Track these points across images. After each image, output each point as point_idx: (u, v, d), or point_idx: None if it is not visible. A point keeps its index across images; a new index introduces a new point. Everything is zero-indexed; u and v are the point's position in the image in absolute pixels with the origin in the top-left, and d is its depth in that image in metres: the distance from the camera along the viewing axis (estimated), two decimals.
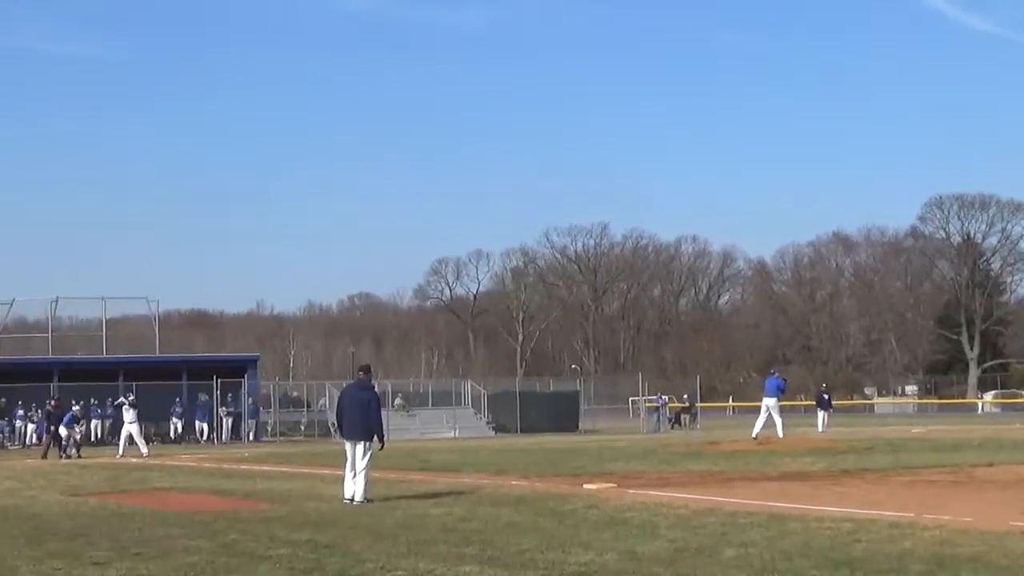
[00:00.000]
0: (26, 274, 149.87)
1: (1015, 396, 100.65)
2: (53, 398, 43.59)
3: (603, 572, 11.26)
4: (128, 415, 40.27)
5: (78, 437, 41.00)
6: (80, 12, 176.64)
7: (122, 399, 42.28)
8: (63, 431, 40.12)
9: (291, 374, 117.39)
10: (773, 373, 42.73)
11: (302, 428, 57.41)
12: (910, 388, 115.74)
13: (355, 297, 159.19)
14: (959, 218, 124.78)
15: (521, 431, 57.92)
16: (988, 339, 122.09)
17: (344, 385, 24.72)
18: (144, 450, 39.17)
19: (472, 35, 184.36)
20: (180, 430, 52.94)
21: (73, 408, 42.14)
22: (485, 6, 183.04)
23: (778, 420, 39.78)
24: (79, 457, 38.91)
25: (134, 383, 49.22)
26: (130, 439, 40.05)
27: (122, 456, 38.68)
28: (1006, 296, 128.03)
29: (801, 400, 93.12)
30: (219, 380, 52.27)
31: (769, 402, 40.10)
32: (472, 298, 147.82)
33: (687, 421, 68.38)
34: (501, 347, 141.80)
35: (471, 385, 65.74)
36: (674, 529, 14.04)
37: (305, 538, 13.85)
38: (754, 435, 38.49)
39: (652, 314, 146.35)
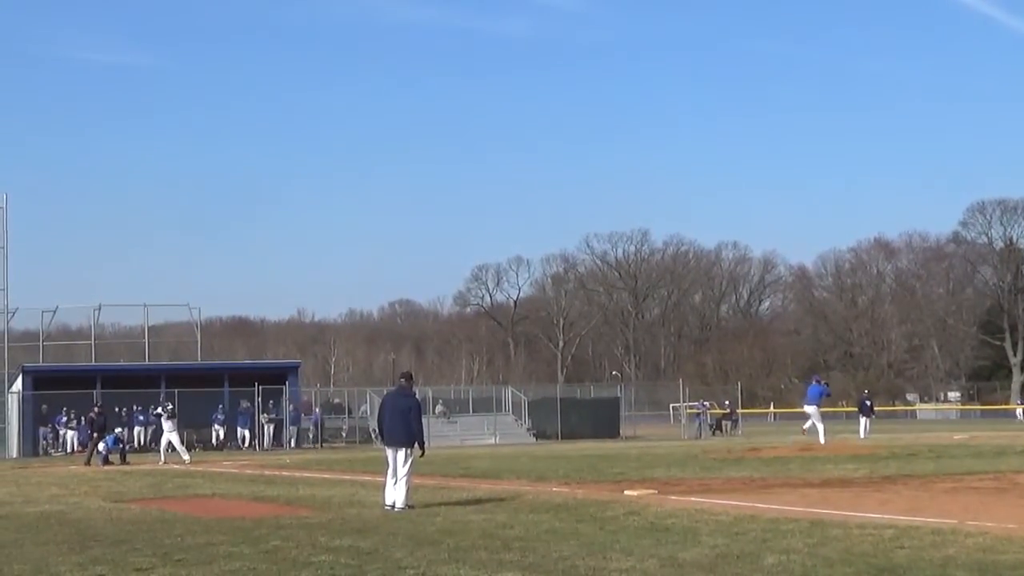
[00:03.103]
0: (69, 281, 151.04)
1: None
2: (96, 405, 43.80)
3: None
4: (167, 424, 40.55)
5: (122, 453, 41.03)
6: (111, 22, 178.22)
7: (159, 410, 42.49)
8: (102, 447, 40.25)
9: (332, 381, 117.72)
10: (816, 380, 42.52)
11: (343, 435, 57.51)
12: (952, 394, 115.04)
13: (396, 304, 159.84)
14: (1001, 223, 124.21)
15: (562, 437, 57.89)
16: None
17: (385, 392, 24.76)
18: (185, 457, 39.37)
19: (513, 43, 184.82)
20: (222, 437, 53.11)
21: (116, 431, 42.33)
22: (527, 15, 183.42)
23: (820, 427, 39.69)
24: (124, 463, 39.09)
25: (175, 390, 49.38)
26: (171, 447, 40.30)
27: (164, 463, 38.88)
28: None
29: (843, 406, 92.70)
30: (261, 387, 52.39)
31: (810, 409, 40.02)
32: (512, 304, 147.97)
33: (728, 427, 68.23)
34: (541, 353, 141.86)
35: (512, 391, 65.75)
36: (715, 535, 14.00)
37: (347, 544, 13.88)
38: (803, 429, 39.03)
39: (693, 320, 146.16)
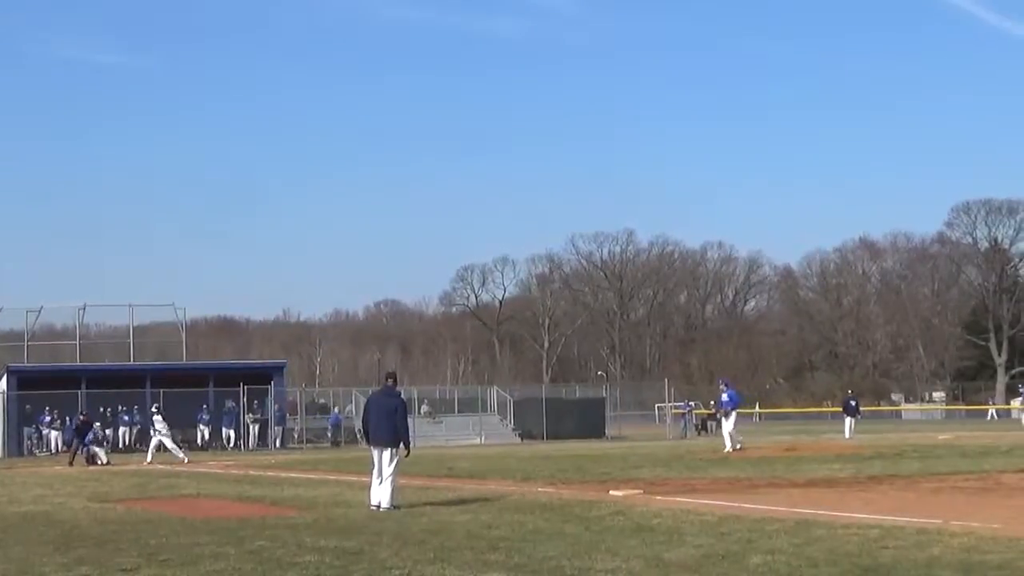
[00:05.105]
0: (54, 281, 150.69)
1: None
2: (82, 413, 43.60)
3: None
4: (159, 426, 40.65)
5: (103, 455, 40.77)
6: (101, 21, 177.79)
7: (156, 416, 42.37)
8: (96, 449, 40.21)
9: (317, 381, 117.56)
10: (725, 384, 41.65)
11: (328, 435, 57.48)
12: (937, 394, 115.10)
13: (381, 304, 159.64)
14: (986, 223, 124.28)
15: (547, 438, 57.88)
16: (1016, 345, 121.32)
17: (370, 392, 24.74)
18: (181, 456, 39.48)
19: (501, 43, 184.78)
20: (207, 437, 53.02)
21: (95, 426, 42.28)
22: (516, 15, 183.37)
23: (728, 435, 38.98)
24: (107, 464, 38.99)
25: (160, 390, 49.38)
26: (162, 447, 40.33)
27: (149, 463, 38.88)
28: None
29: (828, 406, 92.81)
30: (246, 387, 52.31)
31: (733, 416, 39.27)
32: (498, 304, 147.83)
33: (713, 427, 68.25)
34: (527, 354, 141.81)
35: (497, 392, 65.78)
36: (700, 536, 14.01)
37: (332, 545, 13.87)
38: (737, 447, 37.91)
39: (678, 320, 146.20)
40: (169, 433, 40.95)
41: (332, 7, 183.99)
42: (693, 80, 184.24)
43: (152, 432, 41.62)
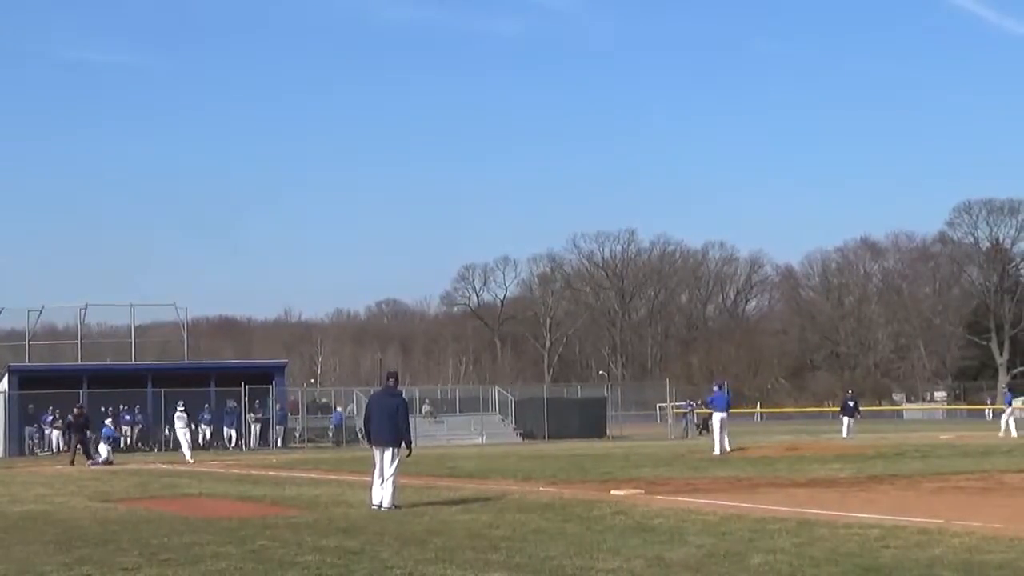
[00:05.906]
0: (55, 281, 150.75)
1: None
2: (76, 407, 43.66)
3: None
4: (179, 422, 40.71)
5: (110, 455, 40.81)
6: (105, 20, 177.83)
7: (179, 412, 42.43)
8: (103, 450, 40.16)
9: (319, 380, 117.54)
10: (719, 388, 40.36)
11: (330, 434, 57.50)
12: (939, 394, 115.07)
13: (383, 304, 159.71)
14: (988, 223, 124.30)
15: (548, 437, 57.87)
16: (1018, 345, 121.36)
17: (372, 392, 24.72)
18: (189, 458, 39.55)
19: (502, 43, 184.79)
20: (208, 436, 53.02)
21: (105, 421, 42.39)
22: (516, 15, 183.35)
23: (718, 437, 37.35)
24: (111, 463, 38.96)
25: (162, 390, 49.38)
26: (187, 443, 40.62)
27: (190, 459, 39.21)
28: None
29: (829, 406, 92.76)
30: (247, 387, 52.31)
31: (723, 416, 38.16)
32: (499, 304, 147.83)
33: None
34: (528, 353, 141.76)
35: (498, 391, 65.71)
36: (701, 535, 14.01)
37: (333, 544, 13.86)
38: (726, 450, 36.61)
39: (679, 320, 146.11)
40: (186, 429, 41.07)
41: (332, 7, 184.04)
42: (694, 79, 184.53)
43: (178, 428, 41.45)
